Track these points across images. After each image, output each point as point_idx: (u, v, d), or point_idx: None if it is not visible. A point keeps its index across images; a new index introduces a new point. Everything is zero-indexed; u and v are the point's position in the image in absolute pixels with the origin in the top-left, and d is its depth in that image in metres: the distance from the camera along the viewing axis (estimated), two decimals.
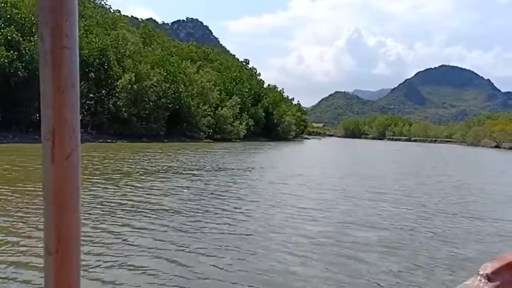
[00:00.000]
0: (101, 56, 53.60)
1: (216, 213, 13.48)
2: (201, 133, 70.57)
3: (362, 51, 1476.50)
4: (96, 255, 8.51)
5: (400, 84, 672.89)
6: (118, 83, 54.83)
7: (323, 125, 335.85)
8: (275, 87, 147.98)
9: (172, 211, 13.51)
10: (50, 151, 0.71)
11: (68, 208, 0.72)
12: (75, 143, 0.72)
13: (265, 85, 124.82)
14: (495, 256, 1.72)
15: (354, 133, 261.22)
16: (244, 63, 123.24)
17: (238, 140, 79.42)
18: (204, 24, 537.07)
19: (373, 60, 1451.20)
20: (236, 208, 14.55)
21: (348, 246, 10.26)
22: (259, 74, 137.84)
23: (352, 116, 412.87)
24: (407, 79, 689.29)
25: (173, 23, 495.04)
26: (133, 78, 55.91)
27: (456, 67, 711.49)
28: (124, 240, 9.75)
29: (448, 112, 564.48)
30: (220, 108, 76.76)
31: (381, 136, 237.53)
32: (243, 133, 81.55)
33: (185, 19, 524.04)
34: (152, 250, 9.07)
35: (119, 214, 12.50)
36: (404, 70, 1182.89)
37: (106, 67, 54.03)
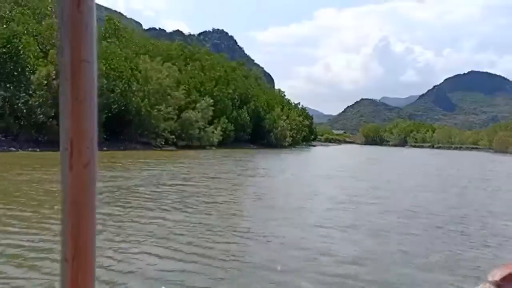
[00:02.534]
0: (9, 45, 43.38)
1: None
2: (159, 139, 59.69)
3: (390, 58, 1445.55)
4: None
5: (428, 91, 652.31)
6: (32, 78, 44.46)
7: (344, 132, 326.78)
8: (279, 91, 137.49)
9: None
10: (68, 161, 0.71)
11: (85, 216, 0.73)
12: (92, 153, 0.74)
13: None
14: (505, 262, 1.76)
15: (374, 140, 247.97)
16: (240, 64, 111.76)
17: (213, 147, 68.42)
18: (230, 34, 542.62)
19: (401, 67, 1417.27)
20: None
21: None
22: (260, 78, 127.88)
23: (379, 123, 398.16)
24: (435, 86, 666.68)
25: (199, 34, 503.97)
26: (53, 71, 45.46)
27: (487, 72, 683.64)
28: None
29: (478, 119, 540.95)
30: (190, 110, 65.89)
31: (402, 143, 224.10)
32: (218, 140, 70.17)
33: (211, 30, 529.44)
34: None
35: None
36: (433, 76, 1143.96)
37: (15, 58, 43.61)
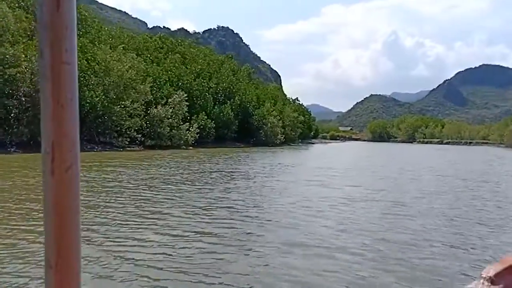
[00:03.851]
0: None
1: None
2: (121, 138, 53.34)
3: (400, 53, 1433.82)
4: None
5: (439, 85, 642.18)
6: None
7: (351, 129, 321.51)
8: (275, 86, 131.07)
9: None
10: (50, 164, 0.70)
11: (69, 221, 0.72)
12: (74, 157, 0.72)
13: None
14: (498, 258, 1.75)
15: (382, 136, 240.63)
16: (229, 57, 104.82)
17: (190, 147, 62.24)
18: (235, 31, 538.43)
19: (411, 62, 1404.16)
20: None
21: None
22: (254, 72, 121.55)
23: (389, 119, 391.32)
24: (446, 80, 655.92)
25: (204, 31, 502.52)
26: None
27: (498, 65, 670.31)
28: None
29: (491, 113, 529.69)
30: (160, 106, 59.54)
31: (410, 139, 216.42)
32: (193, 138, 63.75)
33: (216, 28, 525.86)
34: None
35: None
36: (444, 71, 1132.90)
37: None
